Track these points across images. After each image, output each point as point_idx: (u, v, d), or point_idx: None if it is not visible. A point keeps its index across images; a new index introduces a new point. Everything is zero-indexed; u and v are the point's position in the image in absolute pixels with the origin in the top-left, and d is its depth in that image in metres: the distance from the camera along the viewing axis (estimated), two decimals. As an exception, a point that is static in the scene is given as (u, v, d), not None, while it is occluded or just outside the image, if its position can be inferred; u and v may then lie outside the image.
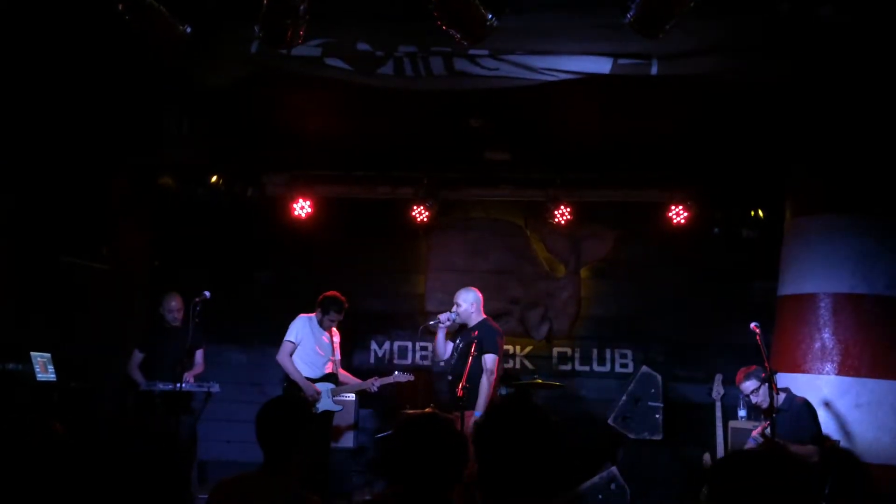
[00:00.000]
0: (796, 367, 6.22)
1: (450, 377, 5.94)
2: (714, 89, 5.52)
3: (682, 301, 7.86)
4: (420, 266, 8.35)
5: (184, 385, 6.06)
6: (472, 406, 5.60)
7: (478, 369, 5.70)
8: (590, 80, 4.93)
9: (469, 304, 6.01)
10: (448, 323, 5.96)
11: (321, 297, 6.43)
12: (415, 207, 7.82)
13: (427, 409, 6.91)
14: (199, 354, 6.65)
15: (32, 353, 5.60)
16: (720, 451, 6.04)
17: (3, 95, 5.37)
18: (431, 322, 6.09)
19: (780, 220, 6.88)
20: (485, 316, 6.08)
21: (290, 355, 6.33)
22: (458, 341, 6.03)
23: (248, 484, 2.81)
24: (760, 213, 7.50)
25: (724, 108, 6.00)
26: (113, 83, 5.54)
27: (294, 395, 5.79)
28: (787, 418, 5.38)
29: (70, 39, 4.82)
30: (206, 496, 2.83)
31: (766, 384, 5.37)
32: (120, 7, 3.92)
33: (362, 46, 4.75)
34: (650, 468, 6.95)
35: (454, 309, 6.03)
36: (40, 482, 2.38)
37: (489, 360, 5.74)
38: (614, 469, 6.89)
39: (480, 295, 6.12)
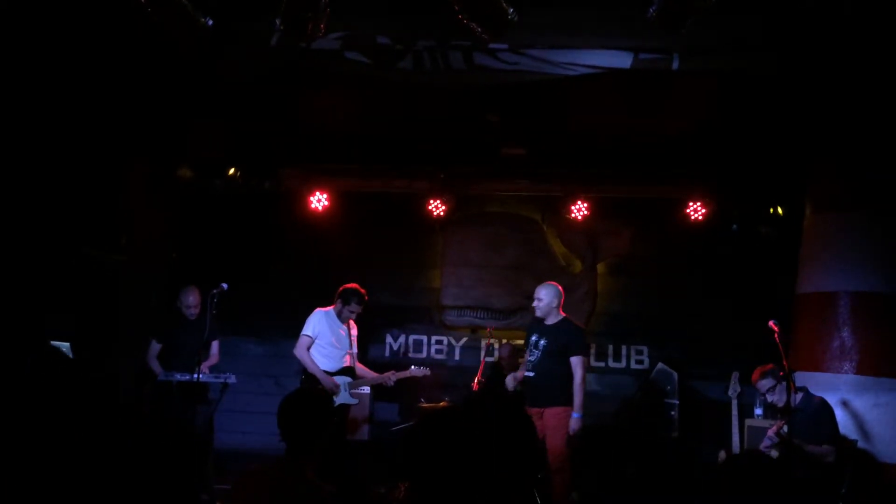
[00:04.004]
0: (815, 366, 6.17)
1: (531, 373, 5.84)
2: (734, 83, 5.48)
3: (699, 298, 7.81)
4: (436, 260, 8.35)
5: (201, 376, 6.09)
6: (553, 403, 5.66)
7: (560, 368, 5.72)
8: (609, 75, 4.92)
9: (550, 298, 5.92)
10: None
11: (341, 288, 6.43)
12: (431, 201, 7.83)
13: (443, 403, 6.95)
14: (214, 345, 6.68)
15: (52, 343, 5.62)
16: (736, 449, 6.01)
17: (22, 88, 5.41)
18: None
19: (800, 217, 6.81)
20: (564, 314, 5.98)
21: (308, 349, 6.35)
22: (534, 338, 5.92)
23: (268, 474, 2.86)
24: (779, 209, 7.44)
25: (743, 103, 5.95)
26: (132, 75, 5.57)
27: (315, 389, 5.82)
28: (804, 417, 5.34)
29: (91, 32, 4.85)
30: (222, 486, 2.87)
31: (782, 383, 5.34)
32: (142, -1, 3.94)
33: (382, 40, 4.76)
34: (665, 465, 6.93)
35: (534, 303, 5.98)
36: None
37: (581, 361, 5.74)
38: (629, 466, 6.88)
39: (562, 291, 6.02)
